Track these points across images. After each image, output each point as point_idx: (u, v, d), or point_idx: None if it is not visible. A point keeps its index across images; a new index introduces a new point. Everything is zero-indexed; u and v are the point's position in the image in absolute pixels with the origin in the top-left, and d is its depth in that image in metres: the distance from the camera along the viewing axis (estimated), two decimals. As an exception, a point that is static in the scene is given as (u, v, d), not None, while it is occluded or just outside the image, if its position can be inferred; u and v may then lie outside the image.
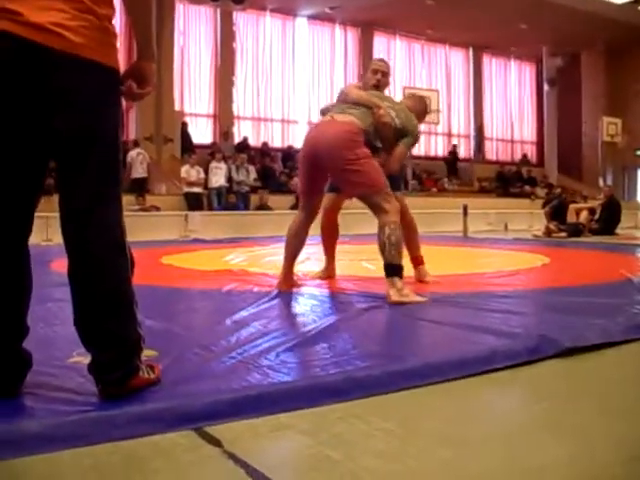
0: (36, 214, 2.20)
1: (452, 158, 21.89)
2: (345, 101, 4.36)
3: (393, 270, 3.87)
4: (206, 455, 1.62)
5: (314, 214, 4.43)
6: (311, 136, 4.29)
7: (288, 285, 4.37)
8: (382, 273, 4.66)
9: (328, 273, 5.01)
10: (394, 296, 3.75)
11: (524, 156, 24.24)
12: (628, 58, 22.94)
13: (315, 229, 4.50)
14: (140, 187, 13.48)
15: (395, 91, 20.51)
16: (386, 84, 4.72)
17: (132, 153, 13.77)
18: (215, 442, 1.68)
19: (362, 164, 3.97)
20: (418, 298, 3.82)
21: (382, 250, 3.92)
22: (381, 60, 4.94)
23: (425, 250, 4.95)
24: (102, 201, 1.99)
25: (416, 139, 4.49)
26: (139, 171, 13.75)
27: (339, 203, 4.90)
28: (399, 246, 3.91)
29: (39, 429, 1.70)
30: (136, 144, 14.40)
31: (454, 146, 22.54)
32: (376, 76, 4.60)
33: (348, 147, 3.98)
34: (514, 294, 4.23)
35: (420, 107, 4.83)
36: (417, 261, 4.86)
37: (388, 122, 4.19)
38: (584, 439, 1.76)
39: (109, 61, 1.98)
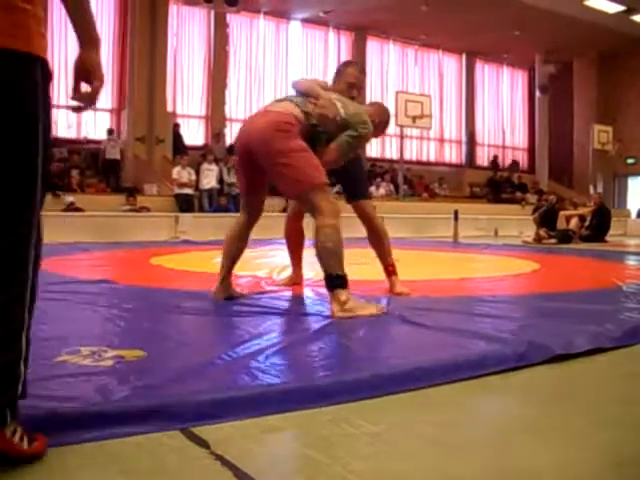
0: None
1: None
2: (294, 89, 3.99)
3: (333, 281, 3.47)
4: (193, 456, 1.60)
5: (256, 216, 4.05)
6: (242, 130, 3.89)
7: (226, 293, 3.98)
8: (372, 276, 4.67)
9: (295, 280, 4.72)
10: (337, 312, 3.38)
11: (513, 162, 24.36)
12: (620, 66, 23.07)
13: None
14: (113, 169, 14.67)
15: (388, 96, 20.61)
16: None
17: (104, 140, 15.04)
18: (202, 443, 1.67)
19: (294, 157, 3.55)
20: (366, 311, 3.44)
21: (320, 259, 3.52)
22: (357, 69, 4.38)
23: (415, 255, 4.94)
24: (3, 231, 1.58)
25: (362, 137, 3.89)
26: (111, 153, 14.75)
27: (303, 209, 4.41)
28: (337, 253, 3.48)
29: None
30: (110, 132, 15.18)
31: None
32: (352, 92, 4.13)
33: (278, 138, 3.55)
34: (504, 300, 4.24)
35: (380, 117, 4.29)
36: (389, 271, 4.45)
37: (326, 114, 3.73)
38: (574, 444, 1.75)
39: (21, 46, 1.57)
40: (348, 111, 3.82)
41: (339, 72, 4.28)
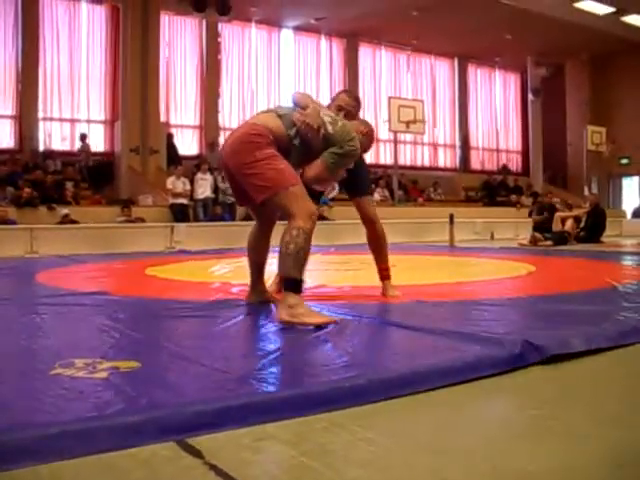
0: (20, 226, 2.15)
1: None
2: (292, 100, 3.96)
3: (287, 284, 3.42)
4: (187, 466, 1.59)
5: (270, 223, 4.08)
6: (221, 147, 3.95)
7: (257, 297, 4.09)
8: (367, 282, 4.67)
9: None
10: (282, 315, 3.33)
11: (504, 166, 24.42)
12: (611, 68, 23.15)
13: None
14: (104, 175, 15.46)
15: (380, 101, 20.65)
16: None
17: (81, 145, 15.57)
18: (196, 453, 1.66)
19: (260, 166, 3.50)
20: (316, 319, 3.30)
21: (279, 259, 3.45)
22: (349, 95, 4.46)
23: (412, 259, 4.93)
24: None
25: (348, 154, 3.78)
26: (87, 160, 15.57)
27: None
28: (298, 257, 3.39)
29: (20, 442, 1.67)
30: (82, 138, 15.57)
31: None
32: (340, 113, 4.19)
33: (246, 150, 3.56)
34: (500, 302, 4.23)
35: (367, 126, 4.36)
36: (382, 275, 4.50)
37: (310, 124, 3.66)
38: (573, 446, 1.74)
39: None
40: (335, 127, 3.77)
41: (334, 98, 4.38)
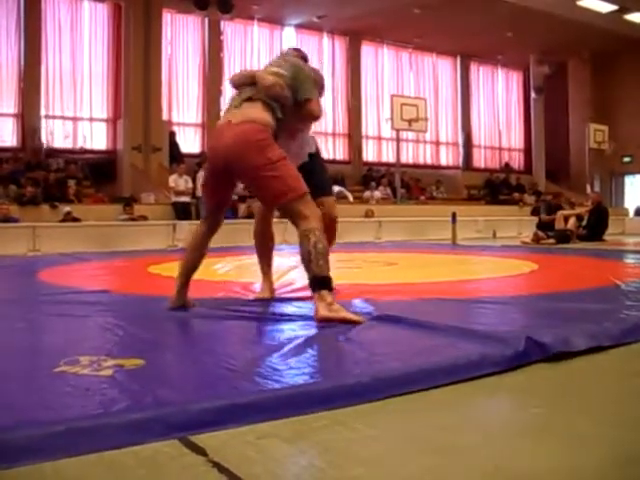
0: (23, 224, 2.15)
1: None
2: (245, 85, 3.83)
3: (321, 283, 3.40)
4: (190, 464, 1.59)
5: (217, 227, 4.03)
6: (211, 148, 3.87)
7: (181, 302, 3.92)
8: (367, 280, 4.66)
9: (268, 293, 4.42)
10: (322, 311, 3.32)
11: (507, 164, 24.41)
12: (614, 66, 23.14)
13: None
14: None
15: (383, 99, 20.65)
16: None
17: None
18: (200, 451, 1.66)
19: (277, 168, 3.48)
20: (351, 315, 3.35)
21: (307, 261, 3.42)
22: (293, 50, 4.44)
23: (414, 257, 4.92)
24: None
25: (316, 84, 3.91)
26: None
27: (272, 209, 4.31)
28: (326, 255, 3.45)
29: (24, 440, 1.67)
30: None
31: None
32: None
33: (256, 151, 3.49)
34: (502, 300, 4.22)
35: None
36: None
37: (278, 91, 3.68)
38: (575, 445, 1.74)
39: None
40: (288, 70, 3.81)
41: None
